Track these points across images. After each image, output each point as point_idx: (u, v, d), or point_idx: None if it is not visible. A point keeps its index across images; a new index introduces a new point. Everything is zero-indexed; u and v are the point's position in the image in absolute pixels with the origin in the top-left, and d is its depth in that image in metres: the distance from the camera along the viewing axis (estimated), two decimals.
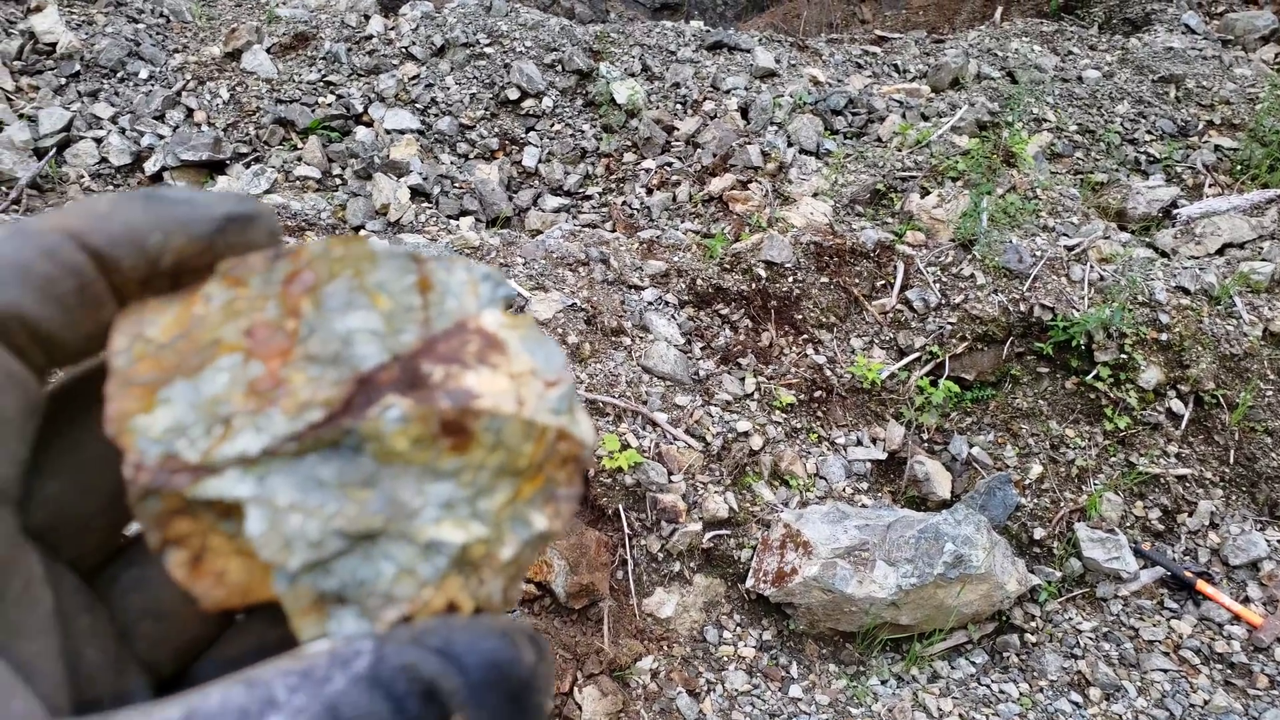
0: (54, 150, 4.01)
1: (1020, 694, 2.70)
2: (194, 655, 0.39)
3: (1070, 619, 2.90)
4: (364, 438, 0.32)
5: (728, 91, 4.76)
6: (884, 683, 2.67)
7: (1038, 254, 3.51)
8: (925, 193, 3.92)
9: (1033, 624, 2.87)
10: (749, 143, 4.29)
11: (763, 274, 3.41)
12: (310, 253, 0.36)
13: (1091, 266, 3.50)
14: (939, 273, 3.51)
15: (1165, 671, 2.77)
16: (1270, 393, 3.25)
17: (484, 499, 0.34)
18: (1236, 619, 2.86)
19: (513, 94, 4.69)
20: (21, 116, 4.12)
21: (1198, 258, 3.73)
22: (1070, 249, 3.63)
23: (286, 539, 0.32)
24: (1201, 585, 2.90)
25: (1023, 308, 3.36)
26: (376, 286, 0.35)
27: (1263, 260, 3.60)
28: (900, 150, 4.29)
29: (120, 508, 0.37)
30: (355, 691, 0.26)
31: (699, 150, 4.41)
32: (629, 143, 4.58)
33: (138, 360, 0.34)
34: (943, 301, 3.42)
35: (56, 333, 0.33)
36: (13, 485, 0.33)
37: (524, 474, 0.34)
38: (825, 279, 3.47)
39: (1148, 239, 3.88)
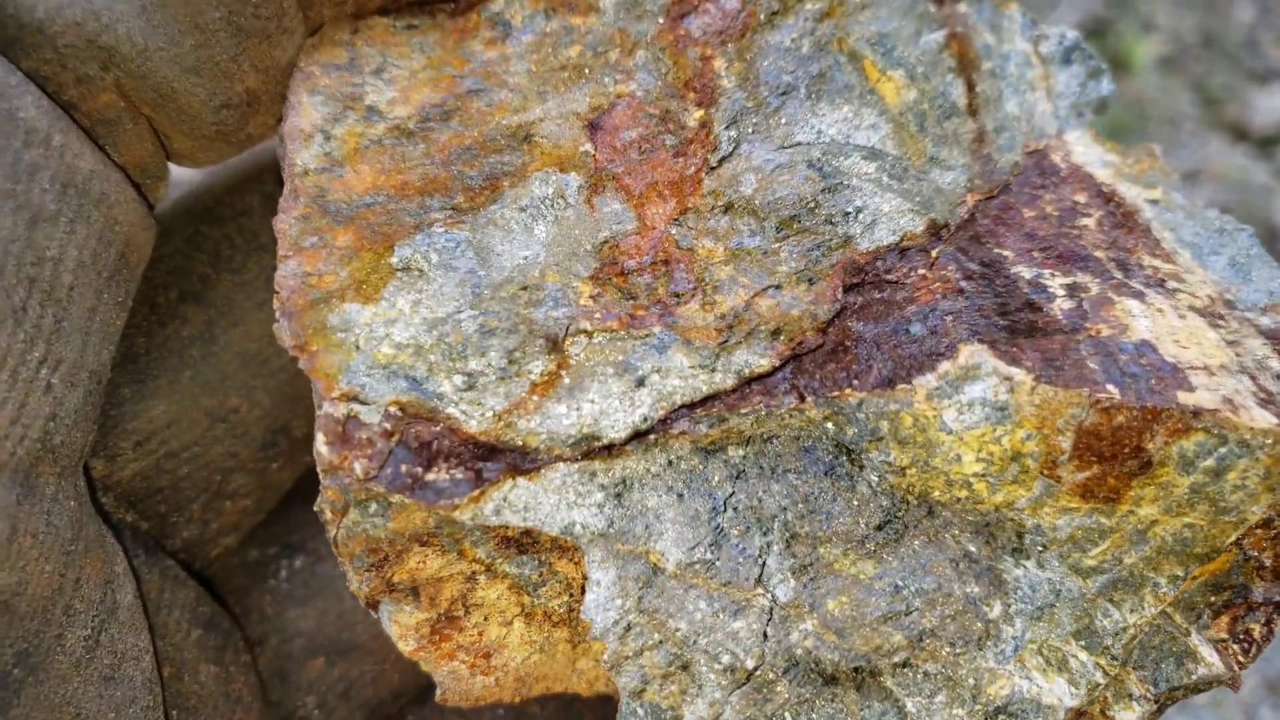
0: None
1: None
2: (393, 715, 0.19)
3: None
4: (880, 435, 0.15)
5: None
6: None
7: None
8: None
9: None
10: None
11: None
12: None
13: (1206, 189, 3.28)
14: None
15: None
16: None
17: (1119, 601, 0.16)
18: None
19: None
20: None
21: None
22: (1182, 171, 3.39)
23: (688, 640, 0.14)
24: None
25: None
26: (873, 45, 0.17)
27: None
28: None
29: (279, 448, 0.19)
30: None
31: None
32: None
33: (349, 155, 0.16)
34: None
35: (181, 89, 0.14)
36: (74, 433, 0.15)
37: (1207, 555, 0.17)
38: None
39: (1268, 158, 3.61)
